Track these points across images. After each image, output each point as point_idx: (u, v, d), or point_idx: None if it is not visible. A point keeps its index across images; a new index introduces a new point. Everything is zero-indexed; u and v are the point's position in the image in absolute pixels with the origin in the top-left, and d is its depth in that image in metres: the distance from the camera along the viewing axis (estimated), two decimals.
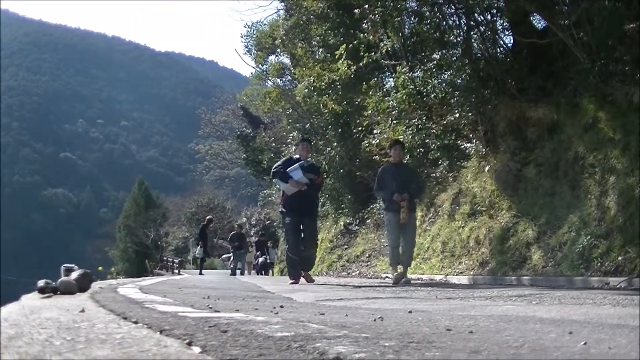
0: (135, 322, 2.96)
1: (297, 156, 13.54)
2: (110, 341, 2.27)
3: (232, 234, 32.86)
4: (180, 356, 1.99)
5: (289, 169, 12.95)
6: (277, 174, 13.22)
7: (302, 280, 13.16)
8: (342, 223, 25.97)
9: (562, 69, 13.79)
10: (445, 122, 16.53)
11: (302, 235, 13.29)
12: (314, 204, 13.86)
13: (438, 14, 16.30)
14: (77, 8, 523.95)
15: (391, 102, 17.76)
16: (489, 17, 16.17)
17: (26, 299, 4.72)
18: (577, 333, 2.89)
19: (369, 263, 21.08)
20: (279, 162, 13.70)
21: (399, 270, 12.42)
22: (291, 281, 12.95)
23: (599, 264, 10.24)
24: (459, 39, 16.30)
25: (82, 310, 3.55)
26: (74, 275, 5.97)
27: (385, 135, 18.38)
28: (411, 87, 17.34)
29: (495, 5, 15.78)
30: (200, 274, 27.45)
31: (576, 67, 12.89)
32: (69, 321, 2.93)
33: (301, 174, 12.81)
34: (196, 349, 2.14)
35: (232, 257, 32.04)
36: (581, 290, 8.21)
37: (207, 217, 34.47)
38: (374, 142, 19.05)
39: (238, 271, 29.54)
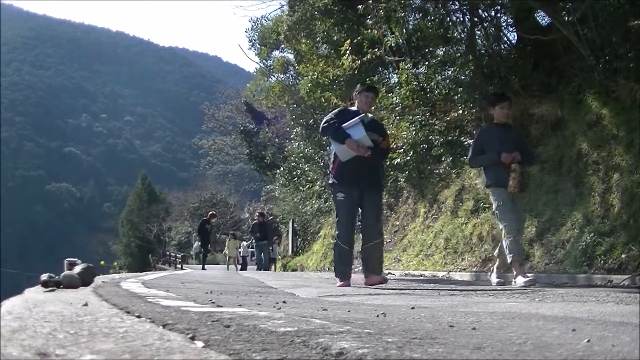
0: (138, 316, 2.96)
1: (355, 109, 9.91)
2: (113, 335, 2.27)
3: (253, 223, 32.03)
4: (183, 350, 1.99)
5: (345, 124, 9.35)
6: (329, 130, 9.52)
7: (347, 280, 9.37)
8: None
9: (566, 66, 13.78)
10: (448, 118, 16.53)
11: (360, 219, 9.75)
12: (378, 175, 9.90)
13: (442, 10, 16.29)
14: (81, 3, 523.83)
15: (395, 98, 17.76)
16: (493, 13, 16.17)
17: (29, 293, 4.73)
18: (580, 330, 2.89)
19: None
20: (330, 115, 9.90)
21: (518, 267, 9.26)
22: (339, 283, 9.32)
23: (602, 261, 10.26)
24: (462, 36, 16.31)
25: (85, 304, 3.56)
26: (77, 269, 5.99)
27: (388, 132, 18.36)
28: (415, 83, 17.35)
29: (499, 1, 15.76)
30: (203, 268, 27.40)
31: (580, 63, 12.88)
32: (72, 315, 2.94)
33: (364, 132, 9.25)
34: (199, 344, 2.14)
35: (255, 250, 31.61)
36: (584, 288, 8.21)
37: (210, 212, 33.97)
38: None
39: (249, 265, 29.15)
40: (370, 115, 9.94)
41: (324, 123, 9.62)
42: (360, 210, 9.66)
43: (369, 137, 9.25)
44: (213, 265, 36.64)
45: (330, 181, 9.96)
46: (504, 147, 9.37)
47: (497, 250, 10.02)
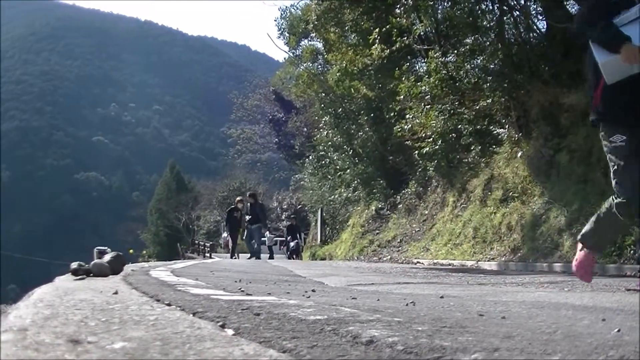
0: (169, 305, 2.98)
1: None
2: (144, 322, 2.29)
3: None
4: (213, 338, 2.00)
5: (619, 18, 5.08)
6: (591, 26, 5.23)
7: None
8: (373, 208, 25.91)
9: None
10: (477, 107, 16.45)
11: None
12: None
13: None
14: None
15: (423, 87, 17.66)
16: (523, 2, 16.08)
17: (60, 281, 4.78)
18: (610, 320, 2.87)
19: (400, 248, 21.03)
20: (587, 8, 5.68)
21: None
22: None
23: (631, 251, 10.16)
24: (492, 24, 16.20)
25: (116, 292, 3.58)
26: (107, 257, 6.03)
27: (417, 121, 18.27)
28: (444, 72, 17.25)
29: None
30: (232, 257, 27.33)
31: None
32: (102, 303, 2.96)
33: None
34: (229, 331, 2.15)
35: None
36: (614, 278, 8.16)
37: (237, 198, 32.19)
38: (406, 127, 18.92)
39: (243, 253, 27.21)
40: None
41: (580, 19, 5.63)
42: None
43: None
44: (241, 254, 36.67)
45: (592, 117, 5.88)
46: None
47: None
